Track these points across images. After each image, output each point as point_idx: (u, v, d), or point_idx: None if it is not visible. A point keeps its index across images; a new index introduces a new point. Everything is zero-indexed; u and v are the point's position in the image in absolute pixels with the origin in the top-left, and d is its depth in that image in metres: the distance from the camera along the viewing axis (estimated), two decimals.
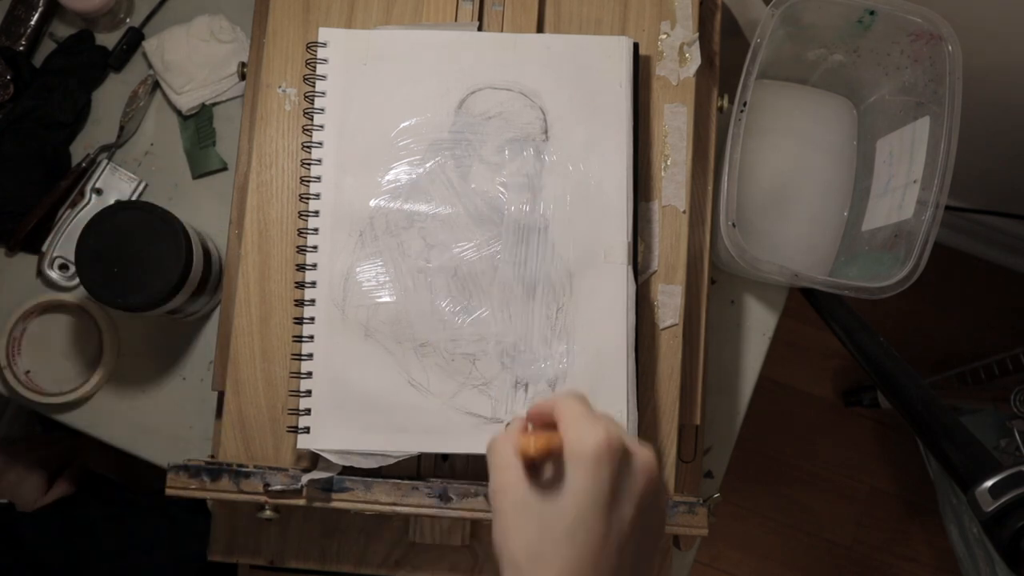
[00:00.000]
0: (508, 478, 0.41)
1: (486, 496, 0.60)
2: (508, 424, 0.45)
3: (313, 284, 0.63)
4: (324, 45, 0.66)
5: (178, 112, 0.82)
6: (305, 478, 0.59)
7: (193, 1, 0.84)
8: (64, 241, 0.79)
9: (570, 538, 0.39)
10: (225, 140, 0.82)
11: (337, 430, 0.62)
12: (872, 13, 0.72)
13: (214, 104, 0.82)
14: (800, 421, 1.63)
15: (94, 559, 0.80)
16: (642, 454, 0.41)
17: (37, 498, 0.87)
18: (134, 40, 0.82)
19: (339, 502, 0.60)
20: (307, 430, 0.62)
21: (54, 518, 0.83)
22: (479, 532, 0.66)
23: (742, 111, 0.70)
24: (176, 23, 0.83)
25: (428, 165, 0.65)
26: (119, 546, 0.82)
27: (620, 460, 0.40)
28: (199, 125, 0.81)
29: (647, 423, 0.66)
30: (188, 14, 0.83)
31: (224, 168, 0.81)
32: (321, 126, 0.65)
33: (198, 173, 0.81)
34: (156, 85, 0.82)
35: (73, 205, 0.80)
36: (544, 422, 0.43)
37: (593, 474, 0.39)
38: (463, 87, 0.66)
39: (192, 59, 0.80)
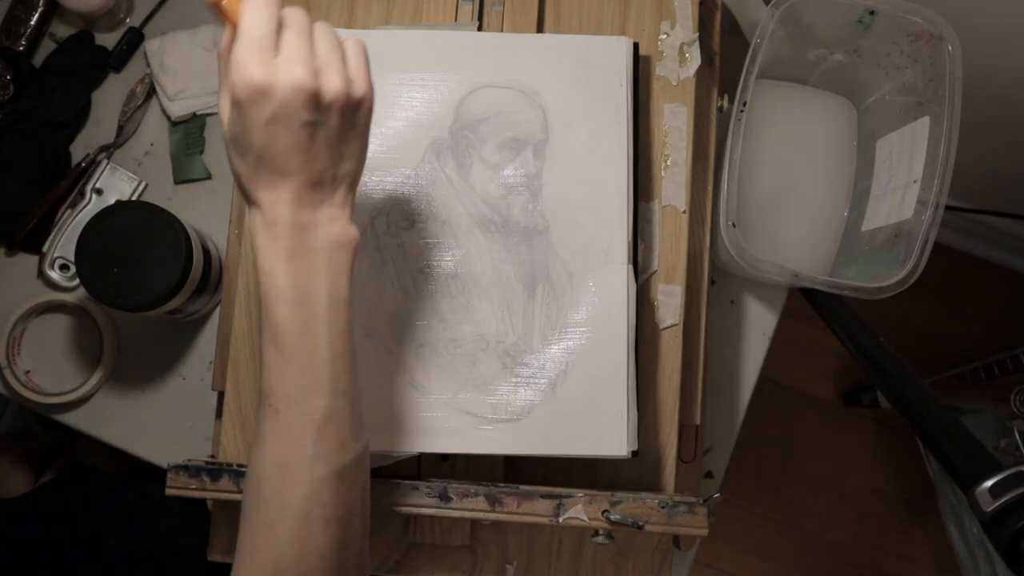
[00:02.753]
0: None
1: (486, 496, 0.60)
2: None
3: None
4: None
5: (167, 117, 0.82)
6: None
7: (193, 2, 0.84)
8: (64, 241, 0.79)
9: (252, 157, 0.46)
10: (213, 152, 0.81)
11: None
12: (872, 13, 0.72)
13: (207, 115, 0.82)
14: (800, 421, 1.63)
15: (69, 542, 0.80)
16: (289, 82, 0.44)
17: (24, 491, 0.87)
18: (134, 40, 0.82)
19: None
20: None
21: (28, 504, 0.83)
22: (479, 532, 0.66)
23: (742, 111, 0.70)
24: (176, 24, 0.83)
25: (428, 165, 0.65)
26: (94, 527, 0.82)
27: (271, 98, 0.44)
28: (188, 131, 0.81)
29: (647, 423, 0.66)
30: (188, 15, 0.83)
31: (208, 177, 0.81)
32: None
33: (180, 179, 0.81)
34: (153, 85, 0.82)
35: (73, 205, 0.80)
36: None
37: (250, 116, 0.45)
38: (463, 86, 0.66)
39: (191, 67, 0.80)
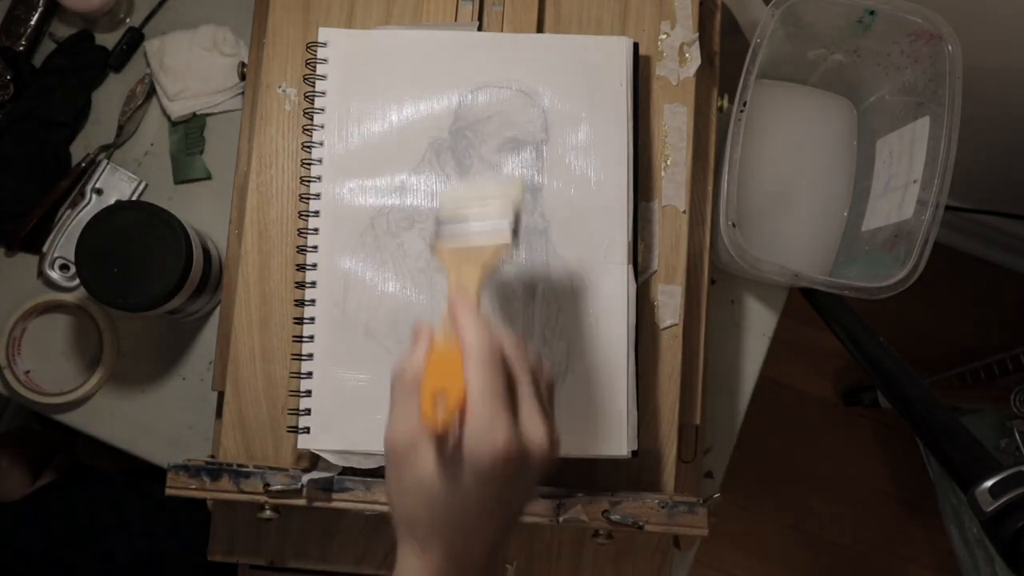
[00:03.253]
0: (412, 437, 0.41)
1: None
2: (418, 349, 0.44)
3: (313, 284, 0.63)
4: (324, 45, 0.66)
5: (167, 117, 0.82)
6: (305, 478, 0.59)
7: (193, 2, 0.84)
8: (64, 241, 0.79)
9: (458, 528, 0.41)
10: (213, 152, 0.81)
11: (337, 430, 0.62)
12: (872, 13, 0.72)
13: (207, 115, 0.82)
14: (800, 421, 1.63)
15: (71, 542, 0.80)
16: (535, 445, 0.41)
17: (22, 490, 0.87)
18: (134, 40, 0.82)
19: (339, 502, 0.60)
20: (307, 430, 0.62)
21: (29, 506, 0.83)
22: None
23: (742, 111, 0.70)
24: (176, 24, 0.83)
25: (428, 165, 0.65)
26: (95, 527, 0.82)
27: (516, 463, 0.40)
28: (188, 131, 0.81)
29: (647, 423, 0.66)
30: (188, 15, 0.83)
31: (208, 178, 0.81)
32: (321, 126, 0.65)
33: (180, 179, 0.81)
34: (153, 85, 0.82)
35: (73, 205, 0.80)
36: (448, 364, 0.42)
37: (485, 486, 0.40)
38: (463, 86, 0.66)
39: (191, 67, 0.80)
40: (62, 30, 0.84)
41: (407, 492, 0.42)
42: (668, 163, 0.68)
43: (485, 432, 0.40)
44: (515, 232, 0.49)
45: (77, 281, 0.79)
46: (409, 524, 0.43)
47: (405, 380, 0.43)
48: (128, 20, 0.84)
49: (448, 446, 0.41)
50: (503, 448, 0.40)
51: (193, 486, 0.60)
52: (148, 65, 0.82)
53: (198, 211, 0.80)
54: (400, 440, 0.42)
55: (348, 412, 0.62)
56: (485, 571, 0.44)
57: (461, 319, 0.43)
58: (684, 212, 0.68)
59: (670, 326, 0.67)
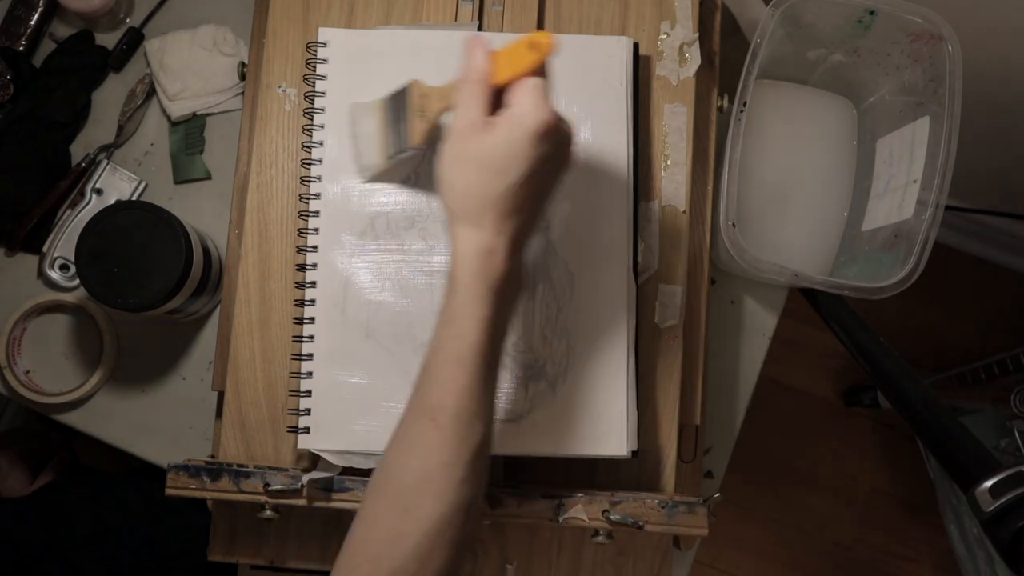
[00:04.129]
0: (476, 119, 0.49)
1: (486, 496, 0.60)
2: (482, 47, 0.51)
3: (313, 284, 0.63)
4: (324, 45, 0.66)
5: (167, 117, 0.82)
6: (305, 478, 0.59)
7: (193, 2, 0.84)
8: (64, 241, 0.79)
9: (508, 188, 0.48)
10: (213, 152, 0.81)
11: (337, 430, 0.62)
12: (872, 13, 0.72)
13: (207, 115, 0.82)
14: (800, 421, 1.63)
15: (74, 541, 0.80)
16: (565, 124, 0.50)
17: (22, 489, 0.87)
18: (134, 40, 0.82)
19: (339, 502, 0.60)
20: (307, 430, 0.62)
21: (32, 505, 0.83)
22: (479, 532, 0.66)
23: (742, 111, 0.70)
24: (176, 24, 0.83)
25: (428, 164, 0.65)
26: (98, 527, 0.82)
27: (556, 134, 0.49)
28: (188, 131, 0.81)
29: (647, 423, 0.66)
30: (188, 15, 0.83)
31: (207, 178, 0.81)
32: (321, 126, 0.65)
33: (180, 179, 0.81)
34: (153, 85, 0.82)
35: (73, 205, 0.80)
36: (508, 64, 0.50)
37: (534, 146, 0.48)
38: None
39: (191, 67, 0.80)
40: (62, 30, 0.84)
41: (467, 166, 0.49)
42: (668, 163, 0.68)
43: (540, 105, 0.48)
44: None
45: (77, 281, 0.79)
46: (464, 201, 0.49)
47: (471, 77, 0.50)
48: (128, 20, 0.84)
49: (503, 118, 0.48)
50: (553, 119, 0.48)
51: (193, 486, 0.60)
52: (148, 65, 0.82)
53: (198, 211, 0.80)
54: (465, 123, 0.49)
55: (348, 412, 0.62)
56: (521, 247, 0.51)
57: (516, 44, 0.50)
58: (684, 212, 0.68)
59: (670, 326, 0.67)
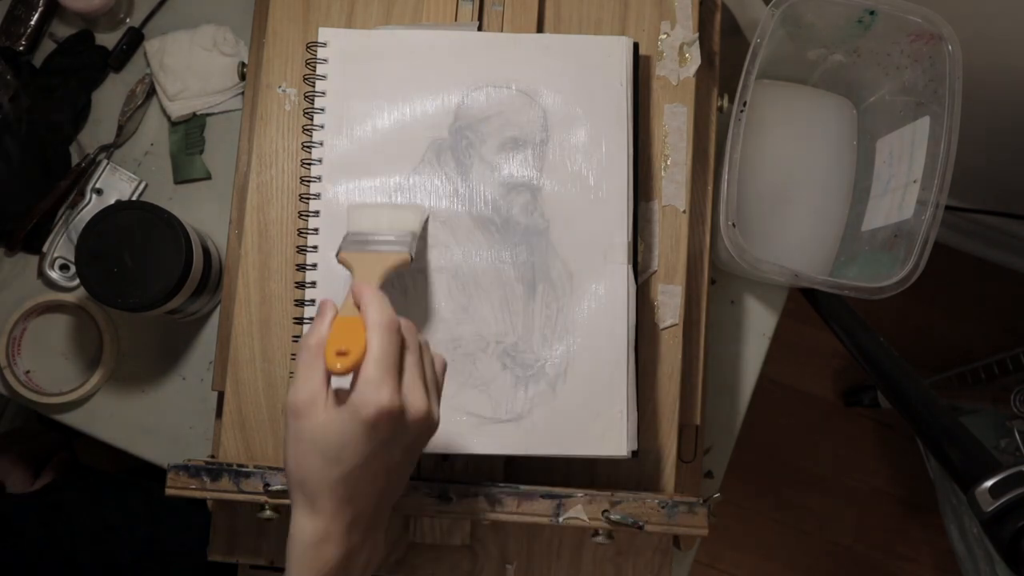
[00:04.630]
0: (311, 396, 0.46)
1: (486, 496, 0.60)
2: (320, 314, 0.50)
3: (313, 284, 0.63)
4: (324, 45, 0.66)
5: (167, 117, 0.82)
6: None
7: (193, 2, 0.84)
8: (64, 241, 0.79)
9: (342, 476, 0.46)
10: (213, 152, 0.81)
11: None
12: (872, 13, 0.72)
13: (207, 115, 0.82)
14: (800, 421, 1.63)
15: (76, 539, 0.80)
16: (414, 410, 0.47)
17: (23, 489, 0.87)
18: (134, 40, 0.82)
19: None
20: None
21: (33, 504, 0.83)
22: (479, 532, 0.66)
23: (742, 111, 0.70)
24: (176, 24, 0.83)
25: (428, 165, 0.65)
26: (100, 525, 0.82)
27: (396, 421, 0.46)
28: (188, 131, 0.81)
29: (647, 423, 0.66)
30: (188, 15, 0.83)
31: (207, 178, 0.81)
32: (321, 126, 0.65)
33: (180, 179, 0.81)
34: (153, 85, 0.82)
35: (73, 205, 0.80)
36: (349, 329, 0.48)
37: (368, 435, 0.45)
38: (463, 86, 0.66)
39: (191, 67, 0.80)
40: (62, 30, 0.84)
41: (302, 447, 0.46)
42: (668, 163, 0.68)
43: (374, 388, 0.45)
44: (411, 251, 0.58)
45: (77, 281, 0.79)
46: (301, 482, 0.47)
47: (310, 346, 0.48)
48: (128, 20, 0.84)
49: (342, 399, 0.46)
50: (387, 405, 0.45)
51: (193, 486, 0.60)
52: (148, 65, 0.82)
53: (198, 211, 0.80)
54: (302, 398, 0.46)
55: None
56: (370, 529, 0.49)
57: (365, 297, 0.48)
58: (684, 212, 0.68)
59: (670, 326, 0.67)
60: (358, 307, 0.49)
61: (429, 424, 0.48)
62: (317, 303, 0.63)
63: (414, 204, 0.64)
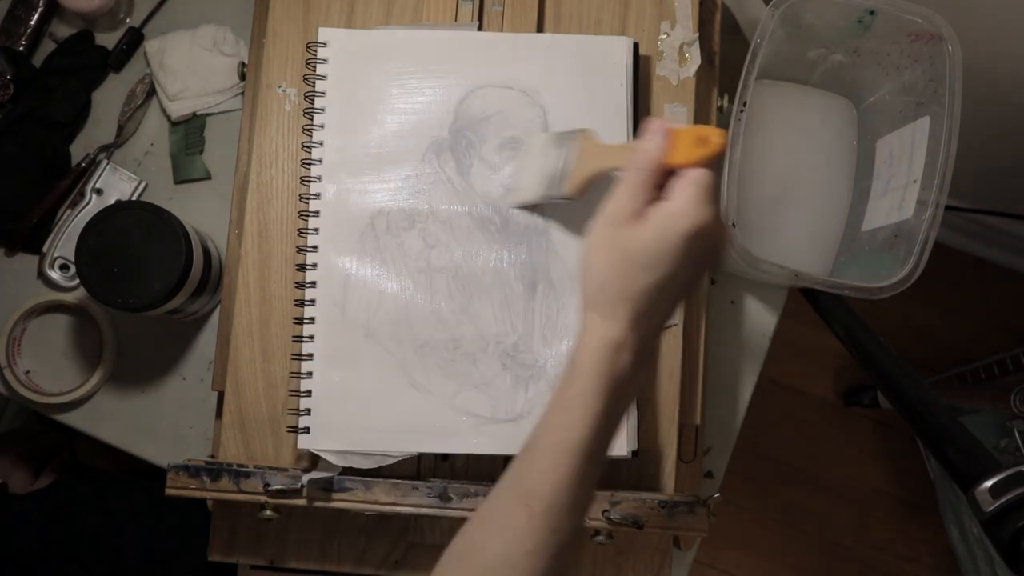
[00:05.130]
0: (632, 208, 0.47)
1: (486, 496, 0.60)
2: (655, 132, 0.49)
3: (313, 284, 0.63)
4: (324, 45, 0.66)
5: (167, 117, 0.82)
6: (305, 478, 0.59)
7: (194, 2, 0.84)
8: (64, 241, 0.79)
9: (648, 286, 0.46)
10: (213, 152, 0.81)
11: (337, 430, 0.62)
12: (872, 13, 0.72)
13: (207, 115, 0.82)
14: (800, 421, 1.63)
15: (80, 538, 0.80)
16: (722, 233, 0.49)
17: (24, 490, 0.87)
18: (134, 40, 0.82)
19: (339, 502, 0.60)
20: (307, 430, 0.62)
21: (35, 503, 0.83)
22: None
23: (742, 111, 0.70)
24: (176, 24, 0.83)
25: (428, 165, 0.65)
26: (104, 524, 0.82)
27: (709, 240, 0.47)
28: (188, 131, 0.81)
29: (647, 423, 0.66)
30: (188, 15, 0.83)
31: (207, 178, 0.81)
32: (321, 126, 0.65)
33: (180, 179, 0.81)
34: (153, 85, 0.82)
35: (73, 206, 0.80)
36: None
37: (683, 249, 0.46)
38: (463, 86, 0.66)
39: (191, 67, 0.80)
40: (62, 30, 0.84)
41: (615, 255, 0.47)
42: None
43: (699, 206, 0.46)
44: None
45: (77, 281, 0.79)
46: (602, 288, 0.47)
47: (640, 163, 0.48)
48: (128, 20, 0.84)
49: (660, 214, 0.46)
50: (710, 222, 0.46)
51: (193, 486, 0.60)
52: (148, 65, 0.82)
53: (198, 211, 0.80)
54: (627, 207, 0.47)
55: (348, 412, 0.62)
56: (653, 347, 0.51)
57: (684, 132, 0.48)
58: None
59: (670, 326, 0.67)
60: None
61: (725, 240, 0.50)
62: (318, 303, 0.63)
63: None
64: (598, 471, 0.49)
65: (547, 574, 0.46)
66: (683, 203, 0.46)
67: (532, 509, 0.46)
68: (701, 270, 0.49)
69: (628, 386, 0.48)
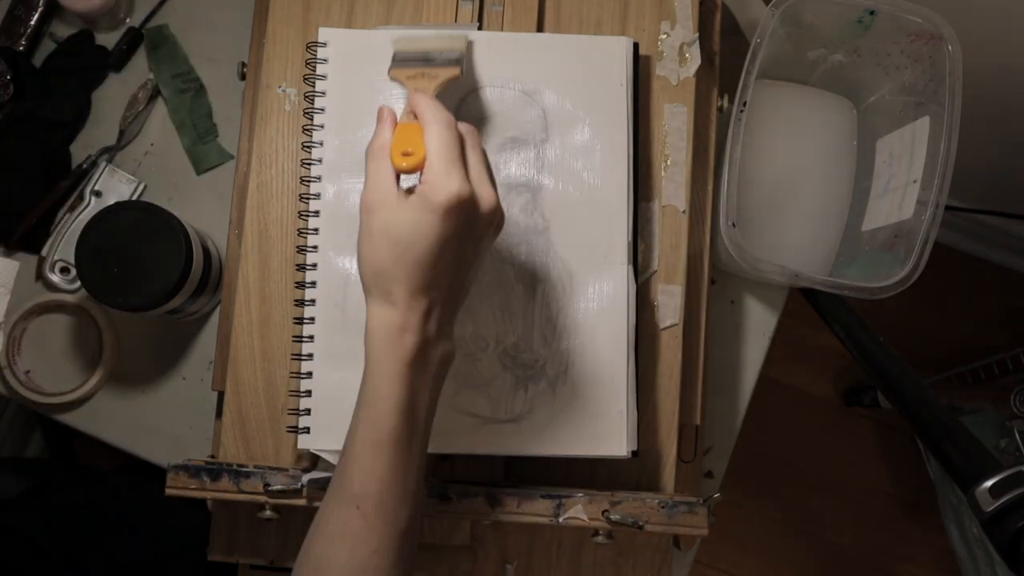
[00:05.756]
0: (383, 194, 0.48)
1: (486, 496, 0.60)
2: (384, 121, 0.51)
3: (313, 284, 0.63)
4: (324, 45, 0.66)
5: (168, 115, 0.81)
6: (305, 478, 0.59)
7: (194, 2, 0.84)
8: (64, 244, 0.79)
9: (416, 263, 0.47)
10: (225, 138, 0.82)
11: (337, 430, 0.62)
12: (872, 13, 0.72)
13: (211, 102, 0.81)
14: (800, 421, 1.63)
15: (76, 539, 0.80)
16: (485, 200, 0.49)
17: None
18: (134, 40, 0.82)
19: None
20: (307, 430, 0.62)
21: (33, 503, 0.83)
22: (479, 532, 0.66)
23: (742, 111, 0.70)
24: (176, 24, 0.83)
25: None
26: (99, 525, 0.82)
27: (466, 209, 0.47)
28: (195, 122, 0.81)
29: (647, 423, 0.66)
30: (188, 15, 0.83)
31: (231, 157, 0.81)
32: (321, 126, 0.65)
33: (202, 169, 0.81)
34: (156, 89, 0.82)
35: (72, 208, 0.80)
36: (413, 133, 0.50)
37: (441, 221, 0.46)
38: (463, 86, 0.66)
39: None
40: (62, 30, 0.84)
41: (375, 239, 0.47)
42: (668, 163, 0.68)
43: (443, 178, 0.47)
44: (462, 67, 0.59)
45: (77, 284, 0.79)
46: (376, 274, 0.48)
47: (375, 149, 0.49)
48: (128, 20, 0.84)
49: (413, 193, 0.47)
50: (457, 191, 0.46)
51: (193, 486, 0.60)
52: (150, 68, 0.82)
53: (198, 211, 0.80)
54: (374, 196, 0.48)
55: (348, 412, 0.62)
56: (444, 322, 0.50)
57: (421, 102, 0.50)
58: (684, 212, 0.68)
59: (670, 326, 0.67)
60: (414, 116, 0.50)
61: (497, 215, 0.50)
62: (318, 303, 0.63)
63: (459, 31, 0.65)
64: (422, 455, 0.50)
65: (395, 565, 0.47)
66: (432, 179, 0.47)
67: (364, 510, 0.47)
68: (471, 240, 0.49)
69: (427, 367, 0.49)
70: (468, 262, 0.50)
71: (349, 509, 0.47)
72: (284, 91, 0.68)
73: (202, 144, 0.81)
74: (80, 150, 0.82)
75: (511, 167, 0.65)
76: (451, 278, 0.49)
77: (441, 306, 0.49)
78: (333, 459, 0.61)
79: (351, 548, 0.47)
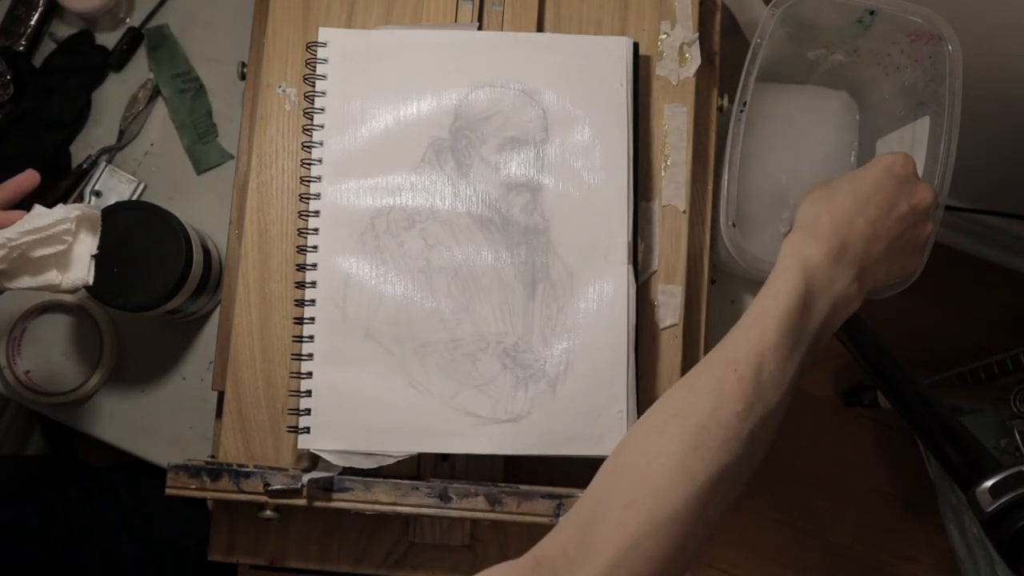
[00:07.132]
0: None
1: (486, 496, 0.60)
2: None
3: (313, 284, 0.63)
4: (324, 45, 0.66)
5: (169, 114, 0.81)
6: (305, 478, 0.59)
7: (194, 2, 0.84)
8: None
9: (853, 214, 0.55)
10: (225, 138, 0.82)
11: (337, 430, 0.62)
12: (872, 13, 0.72)
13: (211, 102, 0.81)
14: (800, 421, 1.63)
15: (73, 541, 0.80)
16: (923, 186, 0.58)
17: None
18: (134, 40, 0.82)
19: (339, 502, 0.60)
20: (307, 430, 0.62)
21: (31, 503, 0.83)
22: (479, 532, 0.66)
23: (742, 111, 0.70)
24: (176, 24, 0.83)
25: (428, 164, 0.65)
26: (95, 527, 0.82)
27: (904, 180, 0.57)
28: (195, 122, 0.81)
29: None
30: (188, 15, 0.83)
31: (231, 157, 0.81)
32: (321, 126, 0.65)
33: (202, 169, 0.81)
34: (156, 89, 0.82)
35: None
36: None
37: (879, 176, 0.56)
38: (463, 86, 0.66)
39: None
40: (62, 30, 0.84)
41: (839, 190, 0.56)
42: (668, 163, 0.68)
43: (902, 158, 0.57)
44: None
45: None
46: (814, 222, 0.54)
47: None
48: (128, 20, 0.84)
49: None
50: (903, 158, 0.57)
51: (193, 486, 0.60)
52: (151, 68, 0.82)
53: (198, 211, 0.80)
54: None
55: (348, 412, 0.62)
56: (852, 269, 0.54)
57: None
58: (684, 212, 0.68)
59: (670, 326, 0.67)
60: None
61: (929, 210, 0.58)
62: (318, 303, 0.63)
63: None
64: (802, 364, 0.51)
65: (750, 440, 0.48)
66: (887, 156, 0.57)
67: (741, 372, 0.48)
68: (899, 217, 0.56)
69: (828, 286, 0.52)
70: (889, 233, 0.56)
71: (727, 369, 0.49)
72: (284, 91, 0.68)
73: (202, 144, 0.81)
74: (80, 150, 0.82)
75: (511, 167, 0.65)
76: (870, 231, 0.55)
77: (852, 253, 0.54)
78: (333, 459, 0.62)
79: (717, 402, 0.48)
